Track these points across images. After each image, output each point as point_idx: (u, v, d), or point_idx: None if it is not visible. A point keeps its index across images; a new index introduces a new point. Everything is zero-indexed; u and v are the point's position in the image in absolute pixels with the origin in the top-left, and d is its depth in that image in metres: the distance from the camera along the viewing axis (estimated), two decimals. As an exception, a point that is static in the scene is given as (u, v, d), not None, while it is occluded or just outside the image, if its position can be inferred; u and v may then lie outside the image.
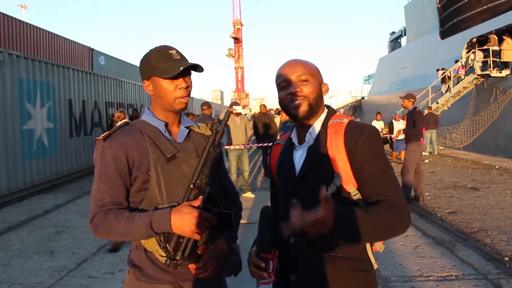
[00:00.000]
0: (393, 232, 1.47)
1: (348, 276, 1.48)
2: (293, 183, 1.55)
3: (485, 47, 17.17)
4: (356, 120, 1.60)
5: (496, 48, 16.94)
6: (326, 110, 1.62)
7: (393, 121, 13.62)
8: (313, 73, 1.56)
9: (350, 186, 1.46)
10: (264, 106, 13.17)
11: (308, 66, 1.57)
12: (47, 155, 9.96)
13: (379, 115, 15.34)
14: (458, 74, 18.25)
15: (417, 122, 7.59)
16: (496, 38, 17.36)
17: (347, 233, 1.36)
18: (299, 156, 1.58)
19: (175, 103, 1.62)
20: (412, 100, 7.85)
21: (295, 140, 1.62)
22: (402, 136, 10.60)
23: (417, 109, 7.91)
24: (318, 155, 1.51)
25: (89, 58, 21.28)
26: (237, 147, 8.32)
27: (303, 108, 1.53)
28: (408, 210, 1.47)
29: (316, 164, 1.50)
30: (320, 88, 1.58)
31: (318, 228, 1.28)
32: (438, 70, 19.98)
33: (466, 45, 18.27)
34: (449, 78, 18.79)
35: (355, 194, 1.47)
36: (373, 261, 1.54)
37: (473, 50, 17.37)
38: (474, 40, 18.49)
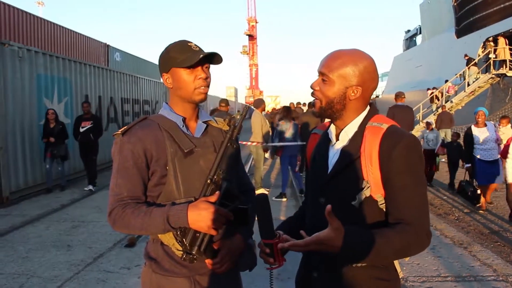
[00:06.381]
0: (404, 255, 1.42)
1: (369, 284, 1.44)
2: (323, 181, 1.51)
3: (483, 55, 17.14)
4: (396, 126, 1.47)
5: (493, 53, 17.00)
6: (367, 109, 1.51)
7: (473, 126, 8.18)
8: (340, 75, 1.44)
9: (378, 195, 1.40)
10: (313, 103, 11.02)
11: (339, 65, 1.44)
12: (64, 150, 10.03)
13: (430, 125, 10.60)
14: (448, 93, 18.16)
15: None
16: (493, 45, 17.32)
17: (355, 255, 1.33)
18: (332, 154, 1.53)
19: (195, 93, 1.62)
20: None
21: (331, 135, 1.56)
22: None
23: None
24: (350, 159, 1.44)
25: (105, 54, 21.51)
26: (254, 143, 8.31)
27: (315, 109, 1.54)
28: (428, 235, 1.38)
29: (346, 167, 1.44)
30: (343, 91, 1.45)
31: (324, 247, 1.28)
32: (428, 89, 19.92)
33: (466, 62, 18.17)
34: (437, 98, 18.76)
35: (382, 204, 1.41)
36: (398, 269, 1.49)
37: (469, 66, 17.36)
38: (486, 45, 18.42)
